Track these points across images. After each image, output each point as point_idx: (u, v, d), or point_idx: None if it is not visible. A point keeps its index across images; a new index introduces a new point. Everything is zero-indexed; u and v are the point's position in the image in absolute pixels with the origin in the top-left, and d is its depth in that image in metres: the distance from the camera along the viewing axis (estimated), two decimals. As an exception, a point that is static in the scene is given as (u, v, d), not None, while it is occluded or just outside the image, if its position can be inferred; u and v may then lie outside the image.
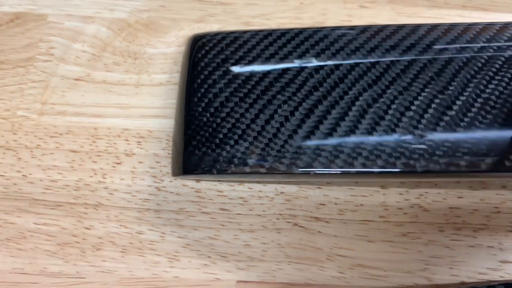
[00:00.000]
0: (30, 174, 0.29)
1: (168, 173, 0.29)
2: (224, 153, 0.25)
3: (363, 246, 0.28)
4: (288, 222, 0.28)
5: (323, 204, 0.29)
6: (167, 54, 0.33)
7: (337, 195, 0.29)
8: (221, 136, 0.26)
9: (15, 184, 0.29)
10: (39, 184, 0.29)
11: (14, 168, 0.29)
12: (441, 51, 0.28)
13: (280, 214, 0.28)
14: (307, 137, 0.25)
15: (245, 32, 0.30)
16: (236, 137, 0.26)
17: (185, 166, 0.26)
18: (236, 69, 0.28)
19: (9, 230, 0.28)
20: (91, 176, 0.29)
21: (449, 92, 0.26)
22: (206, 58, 0.29)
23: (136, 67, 0.33)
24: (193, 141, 0.26)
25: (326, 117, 0.26)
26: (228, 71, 0.28)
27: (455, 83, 0.27)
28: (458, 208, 0.28)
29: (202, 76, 0.28)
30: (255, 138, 0.26)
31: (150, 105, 0.31)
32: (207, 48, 0.29)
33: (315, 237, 0.28)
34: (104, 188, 0.29)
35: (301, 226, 0.28)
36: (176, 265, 0.27)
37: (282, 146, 0.25)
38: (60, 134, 0.30)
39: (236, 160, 0.25)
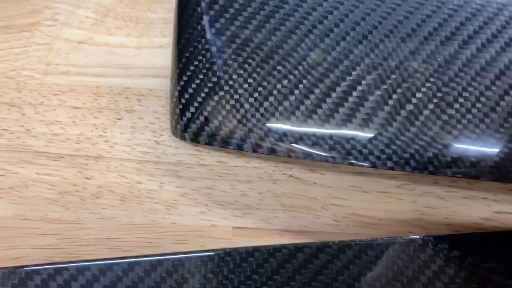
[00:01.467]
0: (33, 128, 0.30)
1: (167, 128, 0.30)
2: (223, 127, 0.26)
3: (358, 196, 0.28)
4: (284, 173, 0.29)
5: (318, 157, 0.29)
6: (167, 19, 0.34)
7: (333, 148, 0.29)
8: (217, 99, 0.26)
9: (18, 137, 0.30)
10: (42, 137, 0.30)
11: (18, 123, 0.30)
12: None
13: (276, 167, 0.29)
14: (312, 114, 0.26)
15: None
16: (234, 102, 0.26)
17: (182, 133, 0.27)
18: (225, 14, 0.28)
19: (12, 179, 0.29)
20: (92, 131, 0.30)
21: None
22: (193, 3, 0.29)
23: (138, 31, 0.34)
24: (189, 103, 0.27)
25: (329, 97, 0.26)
26: (217, 16, 0.28)
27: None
28: (452, 160, 0.29)
29: (188, 19, 0.28)
30: (255, 111, 0.26)
31: (150, 65, 0.32)
32: None
33: (310, 187, 0.28)
34: (105, 141, 0.30)
35: (297, 178, 0.28)
36: (174, 212, 0.28)
37: (281, 123, 0.26)
38: (63, 92, 0.31)
39: (234, 136, 0.26)
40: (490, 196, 0.28)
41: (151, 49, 0.33)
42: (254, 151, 0.26)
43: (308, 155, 0.25)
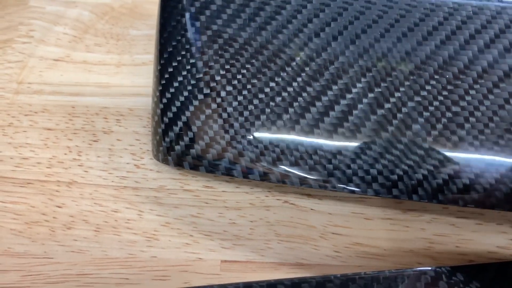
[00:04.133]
0: (0, 152, 0.27)
1: (148, 150, 0.27)
2: (210, 149, 0.24)
3: (360, 223, 0.25)
4: (278, 199, 0.26)
5: (315, 181, 0.26)
6: (151, 35, 0.32)
7: (331, 170, 0.27)
8: (203, 119, 0.24)
9: (-18, 162, 0.27)
10: (9, 161, 0.27)
11: (-17, 146, 0.27)
12: None
13: (269, 192, 0.26)
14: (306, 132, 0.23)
15: None
16: (222, 122, 0.24)
17: (164, 156, 0.24)
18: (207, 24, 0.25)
19: (-27, 209, 0.26)
20: (65, 154, 0.27)
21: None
22: (175, 9, 0.26)
23: (118, 47, 0.31)
24: (172, 123, 0.24)
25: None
26: (200, 27, 0.26)
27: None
28: (462, 182, 0.26)
29: (171, 32, 0.26)
30: (244, 132, 0.24)
31: (131, 84, 0.30)
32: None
33: (307, 214, 0.25)
34: (79, 165, 0.27)
35: (292, 204, 0.26)
36: (155, 245, 0.25)
37: (269, 148, 0.23)
38: (35, 113, 0.29)
39: (223, 160, 0.23)
40: (505, 222, 0.25)
41: (133, 67, 0.31)
42: (245, 177, 0.23)
43: (304, 181, 0.23)
